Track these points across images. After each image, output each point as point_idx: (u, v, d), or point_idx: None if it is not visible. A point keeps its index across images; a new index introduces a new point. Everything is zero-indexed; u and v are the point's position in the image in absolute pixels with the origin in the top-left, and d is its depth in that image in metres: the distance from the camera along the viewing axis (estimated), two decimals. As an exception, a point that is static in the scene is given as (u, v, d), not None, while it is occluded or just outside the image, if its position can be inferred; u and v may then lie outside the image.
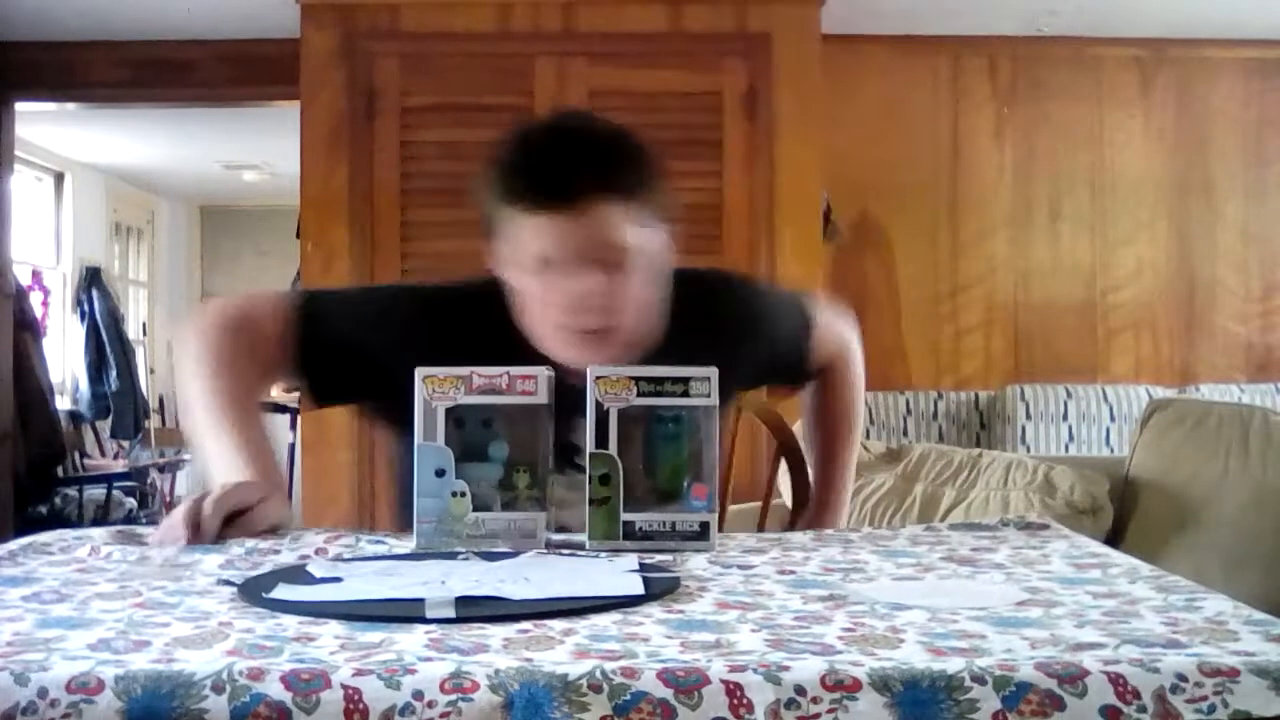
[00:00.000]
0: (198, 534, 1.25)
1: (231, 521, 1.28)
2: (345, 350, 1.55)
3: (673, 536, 1.22)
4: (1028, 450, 4.56)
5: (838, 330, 1.80)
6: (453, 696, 0.73)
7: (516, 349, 1.49)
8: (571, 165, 1.42)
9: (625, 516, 1.22)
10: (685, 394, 1.24)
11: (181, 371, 1.52)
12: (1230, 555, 2.56)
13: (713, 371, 1.25)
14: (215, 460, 1.44)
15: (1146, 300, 5.06)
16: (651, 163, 1.50)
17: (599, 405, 1.23)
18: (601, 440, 1.23)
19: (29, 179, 7.10)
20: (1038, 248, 5.04)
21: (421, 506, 1.23)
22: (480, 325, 1.55)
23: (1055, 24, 4.78)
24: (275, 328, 1.53)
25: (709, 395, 1.24)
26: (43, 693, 0.72)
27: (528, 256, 1.44)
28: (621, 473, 1.22)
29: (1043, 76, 5.02)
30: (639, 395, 1.23)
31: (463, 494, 1.22)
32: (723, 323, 1.60)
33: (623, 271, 1.44)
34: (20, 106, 5.10)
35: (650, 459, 1.24)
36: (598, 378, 1.24)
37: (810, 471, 1.86)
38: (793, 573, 1.10)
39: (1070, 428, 4.71)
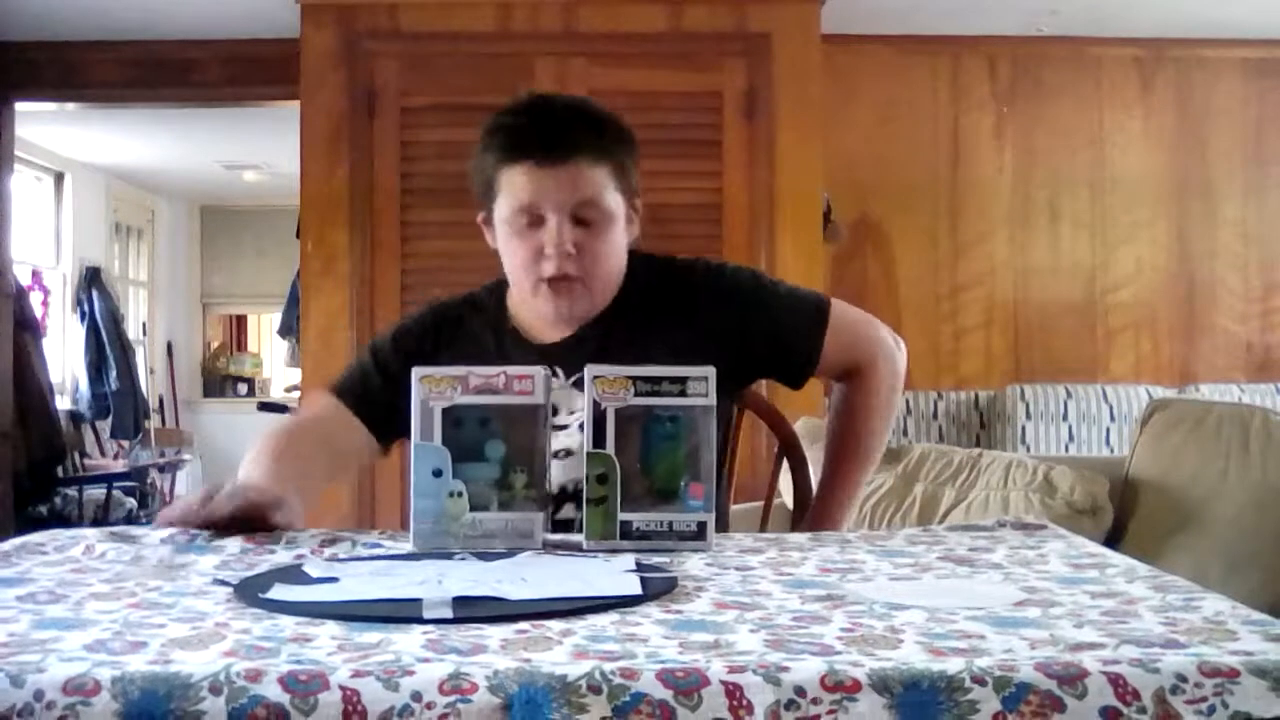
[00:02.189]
0: (206, 510, 1.28)
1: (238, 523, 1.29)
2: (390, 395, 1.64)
3: (670, 536, 1.22)
4: (1028, 450, 4.56)
5: (867, 337, 1.74)
6: (451, 698, 0.73)
7: (512, 340, 1.66)
8: (566, 125, 1.59)
9: (622, 516, 1.22)
10: (682, 393, 1.23)
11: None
12: (1230, 556, 2.55)
13: (710, 371, 1.24)
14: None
15: (1146, 300, 5.06)
16: (634, 146, 1.66)
17: (596, 405, 1.22)
18: (599, 440, 1.22)
19: (29, 179, 7.09)
20: (1038, 248, 5.04)
21: (418, 507, 1.22)
22: (480, 326, 1.70)
23: (1055, 24, 4.78)
24: (336, 411, 1.66)
25: (706, 395, 1.24)
26: (39, 695, 0.72)
27: (517, 208, 1.58)
28: (619, 472, 1.22)
29: (1043, 76, 5.01)
30: (636, 395, 1.23)
31: (460, 494, 1.22)
32: (685, 304, 1.65)
33: (597, 229, 1.59)
34: (20, 106, 5.10)
35: (647, 458, 1.23)
36: (595, 377, 1.23)
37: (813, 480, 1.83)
38: (790, 573, 1.10)
39: (1070, 428, 4.71)
